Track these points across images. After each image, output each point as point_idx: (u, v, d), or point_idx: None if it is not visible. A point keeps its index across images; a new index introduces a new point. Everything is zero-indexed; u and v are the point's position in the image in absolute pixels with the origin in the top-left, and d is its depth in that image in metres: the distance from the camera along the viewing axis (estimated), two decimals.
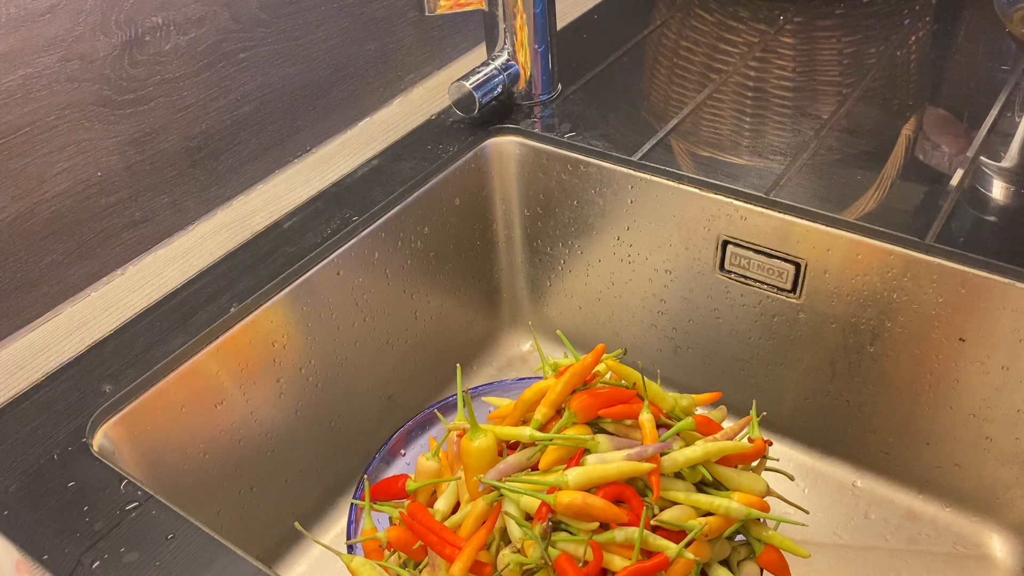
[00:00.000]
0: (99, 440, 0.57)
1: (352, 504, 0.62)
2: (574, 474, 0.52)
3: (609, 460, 0.53)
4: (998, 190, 0.69)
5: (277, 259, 0.68)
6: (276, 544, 0.72)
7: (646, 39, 0.93)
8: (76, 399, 0.58)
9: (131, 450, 0.59)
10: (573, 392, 0.57)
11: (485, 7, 0.78)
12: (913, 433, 0.72)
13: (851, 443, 0.76)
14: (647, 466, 0.52)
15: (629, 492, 0.52)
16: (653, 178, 0.73)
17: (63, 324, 0.64)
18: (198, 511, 0.63)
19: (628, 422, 0.57)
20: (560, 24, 0.96)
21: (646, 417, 0.55)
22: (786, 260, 0.70)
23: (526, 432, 0.55)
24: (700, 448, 0.54)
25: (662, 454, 0.54)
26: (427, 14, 0.76)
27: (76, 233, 0.65)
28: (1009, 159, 0.72)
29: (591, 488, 0.52)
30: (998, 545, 0.71)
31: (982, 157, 0.72)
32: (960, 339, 0.65)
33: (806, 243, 0.68)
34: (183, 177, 0.71)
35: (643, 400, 0.57)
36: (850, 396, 0.73)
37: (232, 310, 0.64)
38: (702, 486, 0.56)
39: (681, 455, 0.54)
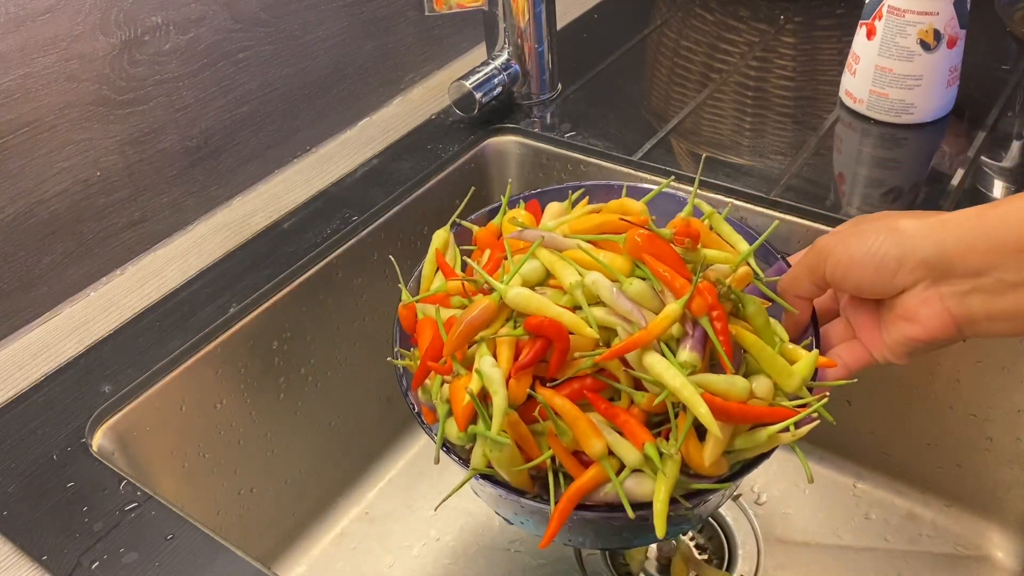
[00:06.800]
0: (99, 440, 0.57)
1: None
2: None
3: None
4: (998, 190, 0.68)
5: (277, 259, 0.68)
6: (276, 544, 0.72)
7: (646, 39, 0.93)
8: (76, 399, 0.58)
9: (131, 450, 0.59)
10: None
11: (485, 7, 0.78)
12: (913, 433, 0.72)
13: (851, 443, 0.75)
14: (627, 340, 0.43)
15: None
16: (653, 178, 0.73)
17: (63, 324, 0.64)
18: (198, 511, 0.63)
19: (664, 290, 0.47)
20: (560, 24, 0.96)
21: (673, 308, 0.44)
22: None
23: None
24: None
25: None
26: (427, 14, 0.76)
27: (75, 233, 0.65)
28: (1009, 159, 0.72)
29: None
30: (998, 545, 0.71)
31: (982, 157, 0.72)
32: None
33: (806, 243, 0.68)
34: (183, 177, 0.71)
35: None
36: (851, 397, 0.73)
37: (232, 310, 0.64)
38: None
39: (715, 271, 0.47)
